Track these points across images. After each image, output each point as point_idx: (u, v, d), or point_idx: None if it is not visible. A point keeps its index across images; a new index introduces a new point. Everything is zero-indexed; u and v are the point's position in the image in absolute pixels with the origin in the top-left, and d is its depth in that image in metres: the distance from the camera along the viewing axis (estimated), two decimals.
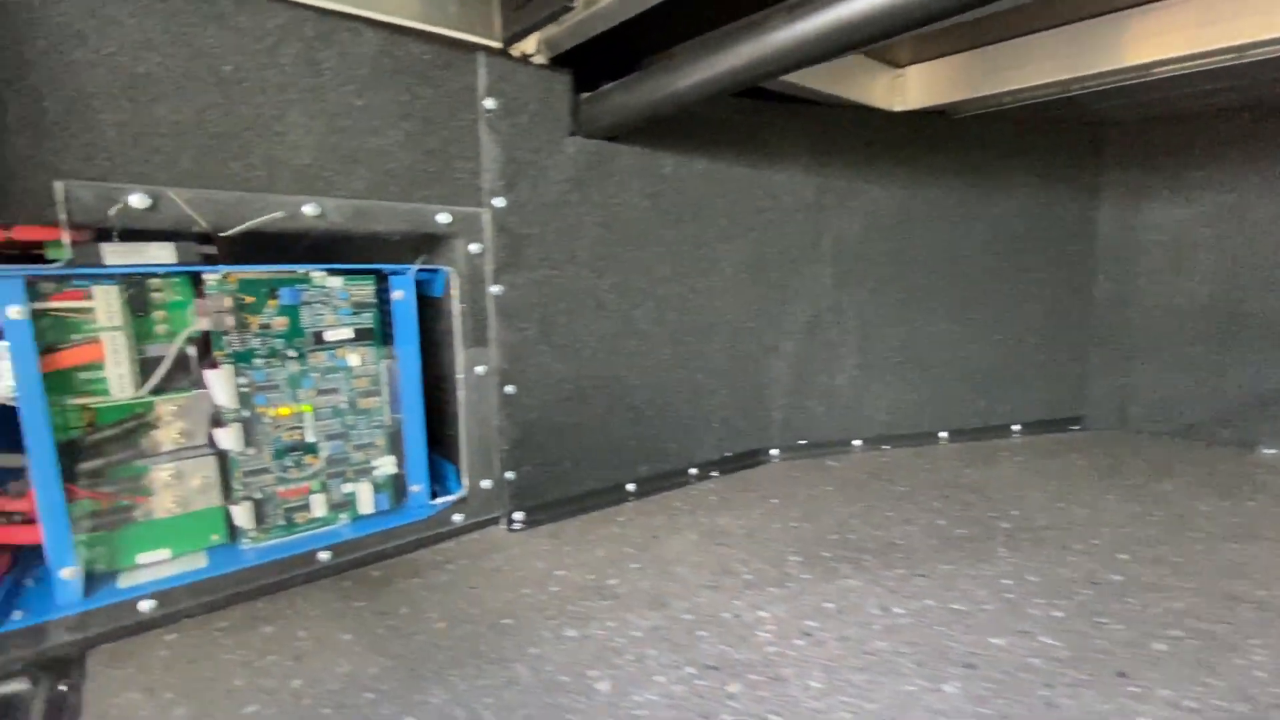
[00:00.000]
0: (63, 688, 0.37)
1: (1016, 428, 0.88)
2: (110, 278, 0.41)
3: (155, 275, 0.44)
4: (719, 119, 0.68)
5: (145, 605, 0.43)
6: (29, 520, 0.41)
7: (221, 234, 0.43)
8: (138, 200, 0.39)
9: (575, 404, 0.63)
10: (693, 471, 0.72)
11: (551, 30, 0.53)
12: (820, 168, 0.75)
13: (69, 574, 0.41)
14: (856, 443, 0.83)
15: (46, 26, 0.36)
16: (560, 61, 0.57)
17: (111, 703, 0.36)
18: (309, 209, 0.45)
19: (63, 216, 0.37)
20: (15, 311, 0.37)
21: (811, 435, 0.81)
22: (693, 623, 0.44)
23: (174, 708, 0.36)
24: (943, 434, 0.85)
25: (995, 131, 0.81)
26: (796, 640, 0.42)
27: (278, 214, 0.44)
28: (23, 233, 0.37)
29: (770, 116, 0.72)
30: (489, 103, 0.53)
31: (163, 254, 0.44)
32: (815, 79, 0.68)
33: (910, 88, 0.77)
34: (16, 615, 0.40)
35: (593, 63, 0.58)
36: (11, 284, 0.37)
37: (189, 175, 0.41)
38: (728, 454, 0.75)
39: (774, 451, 0.79)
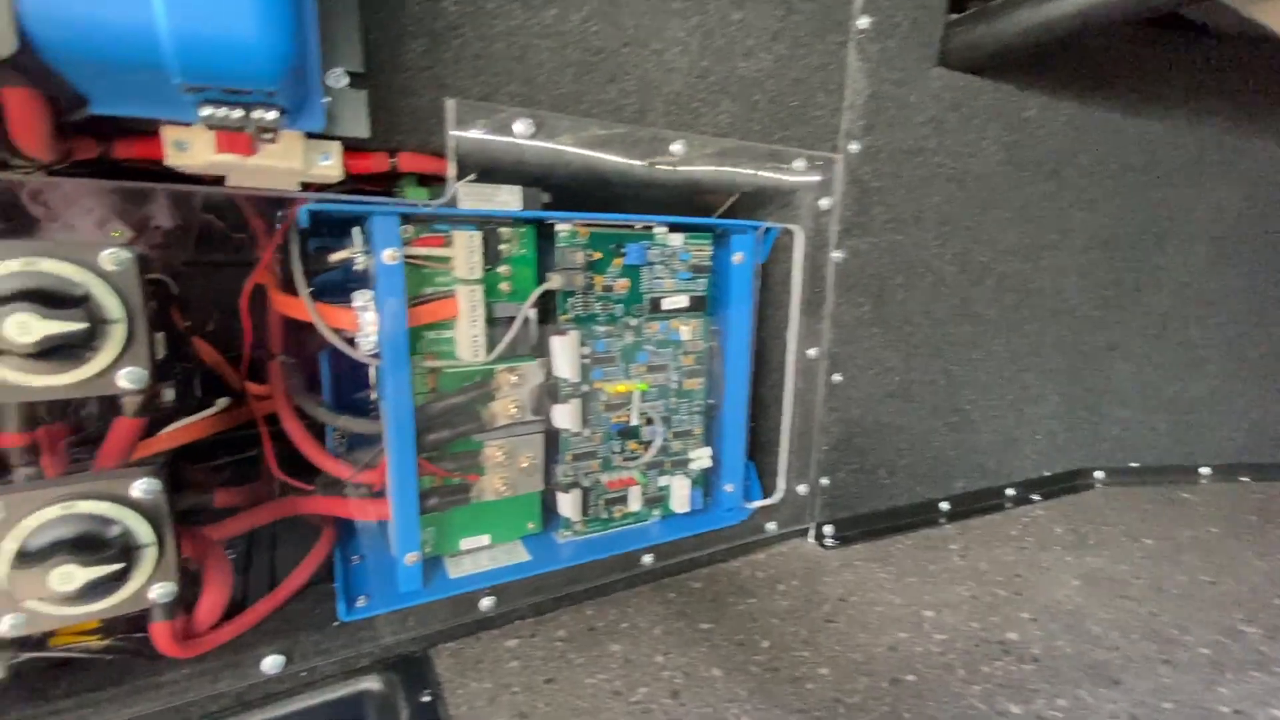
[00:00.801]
0: (425, 698, 0.32)
1: None
2: (471, 223, 0.35)
3: (505, 224, 0.37)
4: (1098, 51, 0.54)
5: (485, 602, 0.37)
6: (378, 495, 0.36)
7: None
8: (522, 127, 0.32)
9: (899, 401, 0.51)
10: (1010, 492, 0.59)
11: None
12: (1206, 117, 0.58)
13: (413, 559, 0.36)
14: (1205, 470, 0.65)
15: None
16: None
17: None
18: (676, 147, 0.37)
19: (452, 143, 0.31)
20: (390, 255, 0.32)
21: (1146, 458, 0.64)
22: (1180, 718, 0.32)
23: None
24: None
25: None
26: None
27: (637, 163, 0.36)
28: (414, 162, 0.31)
29: (1159, 49, 0.56)
30: (863, 21, 0.42)
31: (511, 199, 0.37)
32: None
33: None
34: (361, 602, 0.35)
35: None
36: (389, 223, 0.32)
37: (568, 99, 0.34)
38: (1046, 473, 0.61)
39: (1098, 474, 0.64)
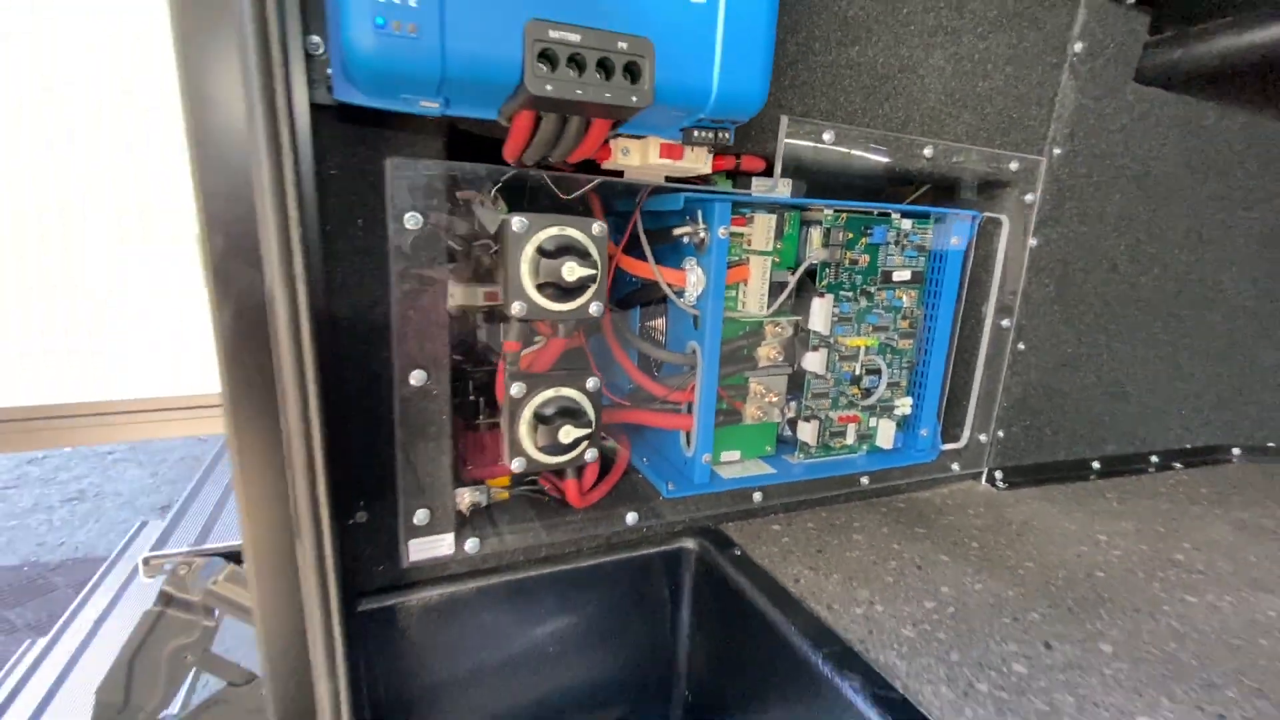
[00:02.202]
0: (737, 552, 0.44)
1: None
2: (767, 208, 0.47)
3: (785, 208, 0.48)
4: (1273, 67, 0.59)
5: (757, 496, 0.49)
6: (687, 410, 0.48)
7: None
8: (829, 136, 0.43)
9: (1068, 370, 0.60)
10: (1154, 459, 0.67)
11: None
12: None
13: (708, 459, 0.48)
14: None
15: None
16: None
17: (785, 571, 0.42)
18: (927, 151, 0.47)
19: (781, 149, 0.42)
20: (724, 231, 0.44)
21: None
22: None
23: (832, 573, 0.41)
24: None
25: None
26: None
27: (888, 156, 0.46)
28: (749, 162, 0.42)
29: None
30: (1078, 46, 0.51)
31: (786, 189, 0.48)
32: None
33: None
34: (670, 486, 0.47)
35: (1159, 2, 0.53)
36: (724, 207, 0.44)
37: (858, 114, 0.44)
38: (1188, 445, 0.68)
39: (1235, 450, 0.70)
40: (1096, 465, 0.64)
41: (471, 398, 0.49)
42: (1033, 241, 0.54)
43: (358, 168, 0.33)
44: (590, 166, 0.38)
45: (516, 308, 0.36)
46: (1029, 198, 0.53)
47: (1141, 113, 0.55)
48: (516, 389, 0.37)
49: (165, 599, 0.66)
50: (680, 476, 0.49)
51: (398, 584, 0.38)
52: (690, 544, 0.46)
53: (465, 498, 0.40)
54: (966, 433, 0.58)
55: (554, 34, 0.26)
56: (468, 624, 0.40)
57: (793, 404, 0.54)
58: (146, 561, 0.67)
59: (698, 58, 0.30)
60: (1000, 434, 0.59)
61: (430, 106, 0.29)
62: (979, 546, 0.47)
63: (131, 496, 2.17)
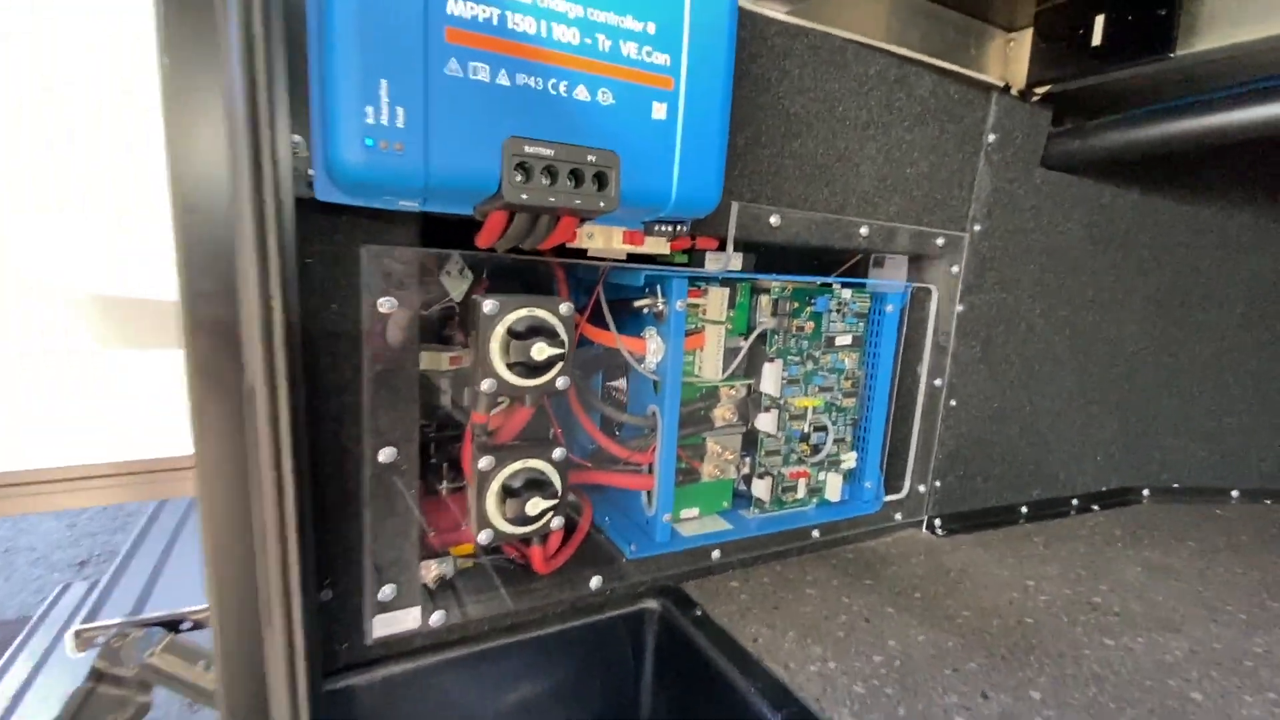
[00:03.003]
0: (698, 613, 0.46)
1: None
2: (720, 281, 0.50)
3: (736, 281, 0.52)
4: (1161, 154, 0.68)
5: (715, 554, 0.51)
6: (648, 470, 0.50)
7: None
8: (775, 220, 0.47)
9: (995, 423, 0.65)
10: (1074, 502, 0.72)
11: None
12: (1240, 203, 0.72)
13: (668, 518, 0.50)
14: (1235, 492, 0.78)
15: (750, 78, 0.44)
16: (1042, 99, 0.60)
17: (744, 630, 0.44)
18: (863, 230, 0.52)
19: (732, 231, 0.46)
20: (681, 304, 0.47)
21: (1185, 479, 0.78)
22: (1241, 654, 0.45)
23: (788, 629, 0.43)
24: None
25: None
26: None
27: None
28: (703, 242, 0.46)
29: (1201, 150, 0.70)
30: (991, 136, 0.57)
31: (738, 263, 0.52)
32: None
33: None
34: (633, 547, 0.49)
35: (1060, 99, 0.61)
36: (681, 283, 0.47)
37: (800, 199, 0.49)
38: (1103, 488, 0.75)
39: (1145, 491, 0.77)
40: (1025, 510, 0.69)
41: (434, 460, 0.50)
42: (959, 307, 0.60)
43: (333, 254, 0.34)
44: (558, 245, 0.41)
45: (487, 385, 0.37)
46: (954, 269, 0.59)
47: (1049, 193, 0.62)
48: (485, 463, 0.38)
49: (96, 675, 0.62)
50: (642, 536, 0.51)
51: (363, 661, 0.38)
52: (653, 604, 0.47)
53: (432, 570, 0.40)
54: (907, 483, 0.62)
55: (529, 149, 0.29)
56: (434, 697, 0.40)
57: (747, 460, 0.56)
58: (78, 635, 0.63)
59: (659, 166, 0.33)
60: (937, 484, 0.63)
61: (409, 205, 0.31)
62: (921, 596, 0.50)
63: (46, 551, 2.01)
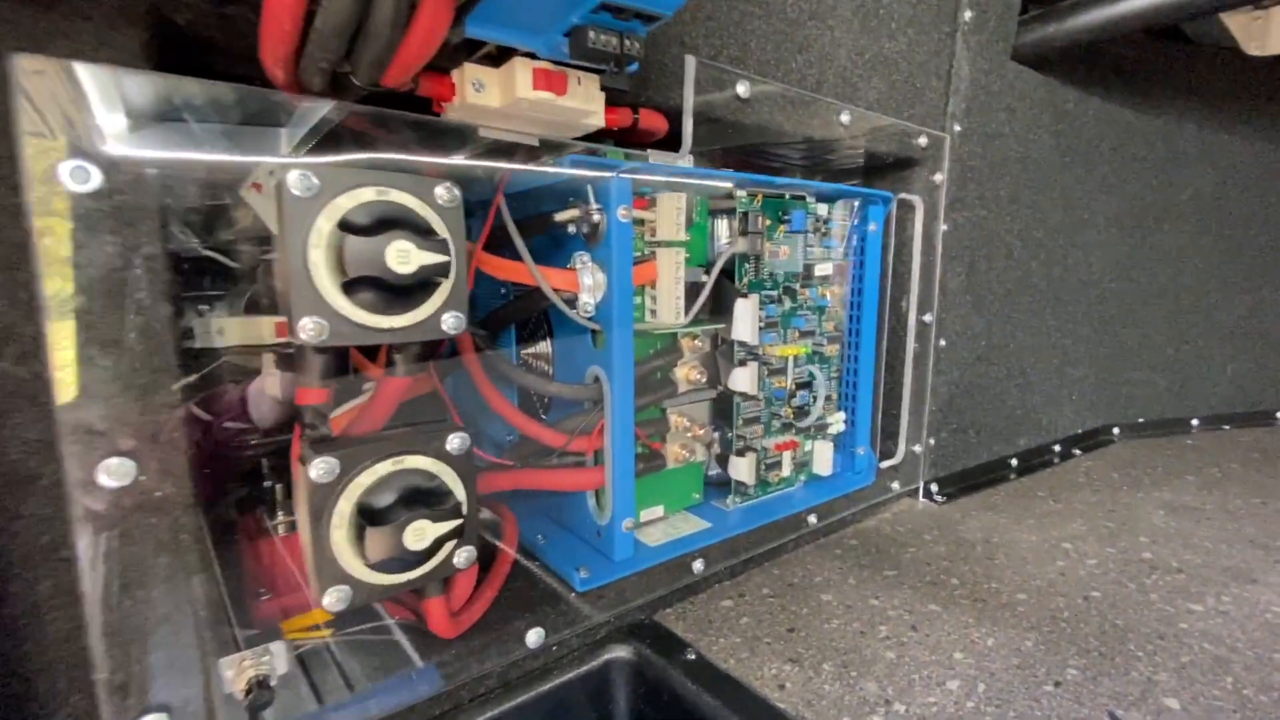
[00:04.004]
0: (690, 656, 0.31)
1: None
2: (682, 185, 0.36)
3: (694, 187, 0.38)
4: (1114, 56, 0.62)
5: (698, 565, 0.37)
6: (595, 461, 0.35)
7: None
8: (743, 89, 0.34)
9: (984, 364, 0.56)
10: (1056, 448, 0.65)
11: None
12: (1187, 114, 0.68)
13: (629, 525, 0.35)
14: (1194, 421, 0.75)
15: None
16: None
17: (761, 672, 0.30)
18: (844, 116, 0.40)
19: (689, 101, 0.32)
20: (624, 212, 0.32)
21: (1149, 413, 0.73)
22: None
23: (821, 661, 0.30)
24: None
25: None
26: None
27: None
28: (649, 118, 0.32)
29: (1157, 57, 0.65)
30: (968, 14, 0.47)
31: (686, 162, 0.38)
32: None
33: (1274, 31, 0.70)
34: (583, 574, 0.34)
35: None
36: (623, 183, 0.32)
37: (770, 64, 0.36)
38: (1078, 430, 0.68)
39: (1115, 430, 0.72)
40: (1014, 462, 0.61)
41: (266, 484, 0.32)
42: (944, 226, 0.49)
43: None
44: (423, 112, 0.25)
45: (309, 326, 0.21)
46: (938, 177, 0.48)
47: (1020, 93, 0.54)
48: (320, 469, 0.22)
49: None
50: (594, 556, 0.35)
51: None
52: (622, 652, 0.32)
53: (243, 670, 0.23)
54: (901, 445, 0.51)
55: None
56: None
57: (717, 435, 0.43)
58: None
59: None
60: (932, 441, 0.53)
61: None
62: (959, 583, 0.39)
63: None
